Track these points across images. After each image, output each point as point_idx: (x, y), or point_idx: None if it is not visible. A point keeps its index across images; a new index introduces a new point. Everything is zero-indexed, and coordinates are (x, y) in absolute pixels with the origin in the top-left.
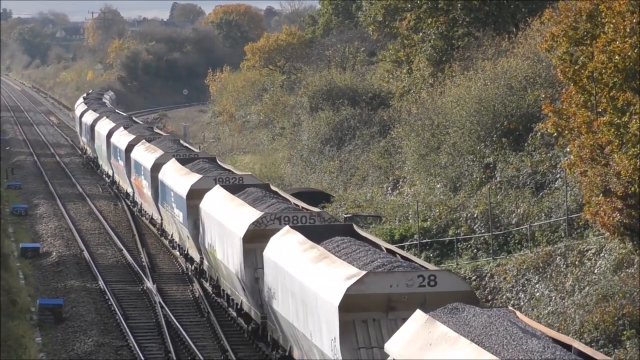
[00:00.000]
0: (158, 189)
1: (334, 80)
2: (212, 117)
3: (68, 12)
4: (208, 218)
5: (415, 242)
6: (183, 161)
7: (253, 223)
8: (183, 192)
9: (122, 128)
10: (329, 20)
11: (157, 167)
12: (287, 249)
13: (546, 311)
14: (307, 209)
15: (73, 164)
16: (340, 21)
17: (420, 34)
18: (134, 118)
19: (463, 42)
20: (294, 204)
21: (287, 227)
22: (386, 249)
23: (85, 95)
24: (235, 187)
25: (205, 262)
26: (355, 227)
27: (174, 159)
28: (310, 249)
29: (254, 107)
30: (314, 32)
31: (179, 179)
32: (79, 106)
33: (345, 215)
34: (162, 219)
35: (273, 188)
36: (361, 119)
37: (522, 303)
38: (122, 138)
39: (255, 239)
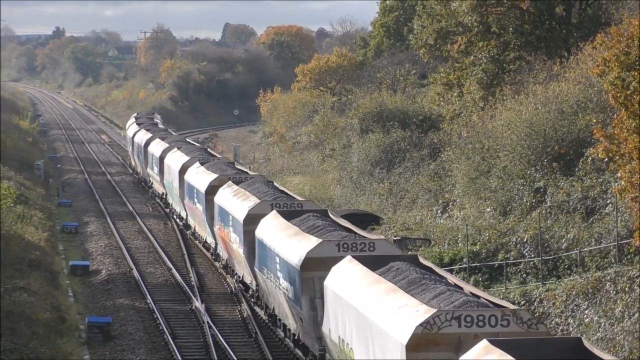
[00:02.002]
0: (254, 249)
1: (385, 102)
2: (262, 137)
3: (120, 32)
4: (338, 302)
5: (464, 265)
6: (286, 214)
7: (421, 325)
8: (295, 260)
9: (198, 164)
10: (380, 42)
11: (252, 219)
12: None
13: (595, 337)
14: (490, 301)
15: (124, 182)
16: (392, 44)
17: (472, 57)
18: (209, 150)
19: (514, 66)
20: (455, 283)
21: (486, 342)
22: None
23: (134, 120)
24: (371, 259)
25: (330, 357)
26: (584, 341)
27: (275, 211)
28: None
29: (304, 128)
30: (365, 54)
31: (286, 241)
32: (139, 133)
33: (395, 238)
34: (258, 285)
35: (423, 262)
36: (411, 142)
37: (571, 329)
38: (200, 176)
39: (421, 347)
